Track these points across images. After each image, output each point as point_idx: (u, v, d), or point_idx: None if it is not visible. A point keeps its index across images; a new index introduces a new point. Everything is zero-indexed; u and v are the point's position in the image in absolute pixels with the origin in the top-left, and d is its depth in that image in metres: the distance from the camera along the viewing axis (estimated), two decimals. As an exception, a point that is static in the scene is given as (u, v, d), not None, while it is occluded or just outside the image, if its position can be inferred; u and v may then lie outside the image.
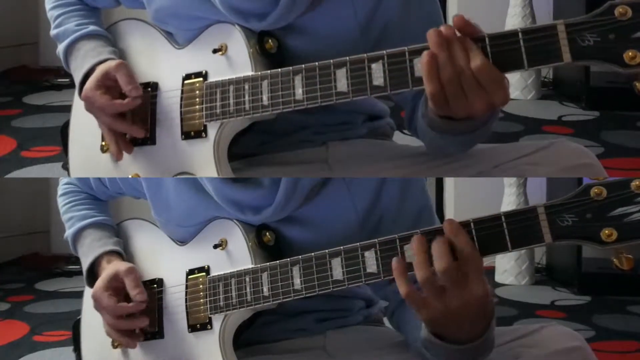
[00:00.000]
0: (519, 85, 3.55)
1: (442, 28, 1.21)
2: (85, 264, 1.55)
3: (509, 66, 1.20)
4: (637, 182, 1.16)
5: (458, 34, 1.21)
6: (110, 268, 1.50)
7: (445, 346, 1.27)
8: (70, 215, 1.62)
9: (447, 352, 1.28)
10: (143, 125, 1.46)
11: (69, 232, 1.60)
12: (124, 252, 1.55)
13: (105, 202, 1.66)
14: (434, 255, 1.21)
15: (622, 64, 1.16)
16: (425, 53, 1.21)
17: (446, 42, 1.21)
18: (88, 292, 1.57)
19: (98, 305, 1.49)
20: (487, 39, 1.20)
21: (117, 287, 1.48)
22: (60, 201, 1.66)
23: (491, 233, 1.21)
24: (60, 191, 1.67)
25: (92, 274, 1.54)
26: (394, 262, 1.23)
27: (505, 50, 1.20)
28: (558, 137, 3.14)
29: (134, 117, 1.46)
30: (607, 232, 1.17)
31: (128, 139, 1.47)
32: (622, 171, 2.99)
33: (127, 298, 1.48)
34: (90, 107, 1.47)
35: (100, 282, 1.49)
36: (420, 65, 1.22)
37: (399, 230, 1.28)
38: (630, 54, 1.15)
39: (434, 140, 1.37)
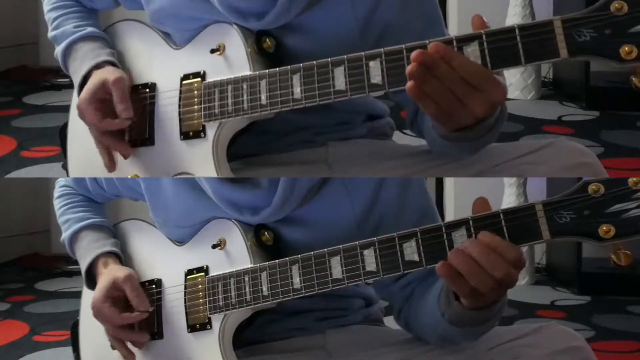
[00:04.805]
0: (519, 85, 3.56)
1: (413, 55, 1.19)
2: (83, 266, 1.55)
3: (506, 62, 1.20)
4: (634, 179, 1.16)
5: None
6: (107, 275, 1.49)
7: (479, 314, 1.26)
8: (67, 218, 1.61)
9: (481, 318, 1.28)
10: (140, 131, 1.45)
11: (65, 235, 1.60)
12: (122, 253, 1.55)
13: (102, 204, 1.66)
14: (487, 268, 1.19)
15: (619, 59, 1.16)
16: (407, 86, 1.20)
17: (423, 65, 1.19)
18: (86, 293, 1.56)
19: (99, 317, 1.48)
20: (484, 36, 1.20)
21: (116, 296, 1.48)
22: (57, 204, 1.65)
23: (490, 231, 1.21)
24: (56, 194, 1.67)
25: (90, 276, 1.54)
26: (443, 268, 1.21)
27: (502, 47, 1.20)
28: (558, 137, 3.14)
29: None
30: (604, 228, 1.18)
31: (127, 139, 1.47)
32: (622, 171, 2.99)
33: (127, 305, 1.47)
34: (82, 119, 1.47)
35: (98, 293, 1.48)
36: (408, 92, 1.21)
37: (398, 231, 1.28)
38: (626, 49, 1.15)
39: (447, 148, 1.36)
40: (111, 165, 1.47)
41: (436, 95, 1.19)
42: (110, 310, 1.46)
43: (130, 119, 1.44)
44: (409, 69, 1.19)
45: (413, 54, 1.18)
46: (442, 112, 1.21)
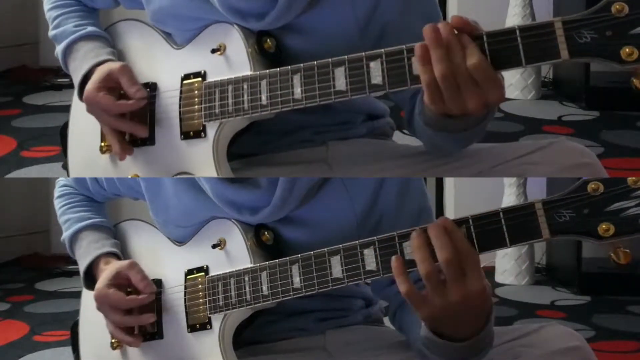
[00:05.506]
0: (519, 85, 3.55)
1: (440, 25, 1.21)
2: (82, 266, 1.55)
3: (507, 64, 1.20)
4: (634, 178, 1.17)
5: (456, 31, 1.22)
6: (110, 268, 1.49)
7: (445, 344, 1.27)
8: (67, 218, 1.61)
9: (447, 350, 1.28)
10: (145, 124, 1.46)
11: (65, 235, 1.60)
12: (121, 254, 1.55)
13: (102, 204, 1.66)
14: (436, 247, 1.21)
15: (619, 60, 1.16)
16: (418, 45, 1.22)
17: (442, 39, 1.21)
18: (86, 293, 1.56)
19: (104, 304, 1.48)
20: (484, 37, 1.21)
21: (120, 284, 1.48)
22: (57, 204, 1.65)
23: (490, 229, 1.22)
24: (56, 193, 1.67)
25: (90, 277, 1.54)
26: (394, 260, 1.24)
27: (503, 48, 1.20)
28: (558, 137, 3.14)
29: (133, 118, 1.46)
30: (604, 227, 1.18)
31: (128, 140, 1.47)
32: (622, 171, 2.99)
33: (132, 293, 1.47)
34: (93, 108, 1.46)
35: (102, 282, 1.48)
36: (415, 57, 1.22)
37: (397, 230, 1.28)
38: (627, 50, 1.15)
39: (431, 138, 1.37)
40: (123, 154, 1.46)
41: (440, 70, 1.20)
42: (116, 294, 1.46)
43: (144, 98, 1.44)
44: (429, 31, 1.20)
45: (454, 18, 1.20)
46: (437, 88, 1.21)
